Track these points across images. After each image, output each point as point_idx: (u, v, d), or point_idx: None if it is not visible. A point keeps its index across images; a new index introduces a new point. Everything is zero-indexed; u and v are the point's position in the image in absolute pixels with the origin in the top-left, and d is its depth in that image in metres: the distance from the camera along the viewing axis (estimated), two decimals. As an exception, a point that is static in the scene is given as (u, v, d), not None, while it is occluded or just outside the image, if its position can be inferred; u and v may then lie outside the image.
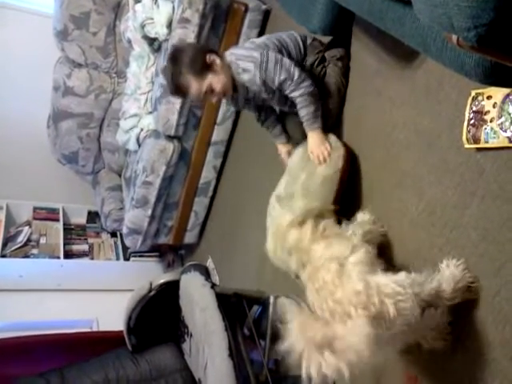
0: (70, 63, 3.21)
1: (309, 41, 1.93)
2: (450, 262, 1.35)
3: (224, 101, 2.78)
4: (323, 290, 1.26)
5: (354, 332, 1.12)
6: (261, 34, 2.71)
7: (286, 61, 1.76)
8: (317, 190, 1.72)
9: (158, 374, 2.17)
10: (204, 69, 1.78)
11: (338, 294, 1.22)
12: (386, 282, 1.21)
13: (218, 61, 1.79)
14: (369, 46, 1.84)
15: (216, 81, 1.79)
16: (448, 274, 1.31)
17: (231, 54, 1.85)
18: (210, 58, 1.79)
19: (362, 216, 1.65)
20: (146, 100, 2.94)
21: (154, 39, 2.74)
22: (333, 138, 1.82)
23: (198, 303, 1.89)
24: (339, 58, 1.90)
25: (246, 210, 2.79)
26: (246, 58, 1.80)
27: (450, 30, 0.69)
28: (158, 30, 2.58)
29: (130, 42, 2.99)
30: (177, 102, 2.62)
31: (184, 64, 1.78)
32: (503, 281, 1.25)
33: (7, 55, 3.26)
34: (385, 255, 1.57)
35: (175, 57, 1.83)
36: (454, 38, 0.71)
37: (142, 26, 2.70)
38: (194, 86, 1.79)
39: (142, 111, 2.97)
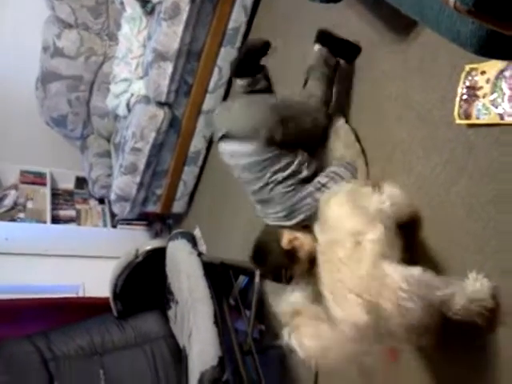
0: (59, 23, 3.11)
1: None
2: (479, 279, 1.23)
3: (216, 69, 2.75)
4: (331, 264, 1.22)
5: (343, 317, 1.10)
6: (256, 3, 2.64)
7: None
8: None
9: (142, 339, 2.20)
10: (294, 255, 1.66)
11: (341, 274, 1.17)
12: (393, 273, 1.12)
13: (291, 237, 1.67)
14: (365, 18, 1.80)
15: (306, 247, 1.65)
16: (471, 290, 1.20)
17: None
18: (286, 244, 1.67)
19: (390, 190, 1.48)
20: (138, 64, 2.87)
21: (147, 1, 2.66)
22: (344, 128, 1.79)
23: (185, 271, 1.90)
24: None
25: (236, 180, 2.77)
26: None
27: (447, -7, 0.67)
28: (151, -9, 2.51)
29: (122, 3, 2.91)
30: (168, 67, 2.56)
31: (280, 269, 1.67)
32: (486, 257, 1.26)
33: (-6, 12, 3.16)
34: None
35: (266, 266, 1.75)
36: (451, 1, 0.69)
37: (135, -13, 2.63)
38: (300, 269, 1.66)
39: (133, 76, 2.91)
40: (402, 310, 1.09)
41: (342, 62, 1.88)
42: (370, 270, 1.14)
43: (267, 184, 1.72)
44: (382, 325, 1.11)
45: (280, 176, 1.70)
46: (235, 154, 1.76)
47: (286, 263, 1.67)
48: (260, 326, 2.31)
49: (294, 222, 1.72)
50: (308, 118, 1.76)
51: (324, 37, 1.83)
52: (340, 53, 1.85)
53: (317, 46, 1.83)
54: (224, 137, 1.76)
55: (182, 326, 1.95)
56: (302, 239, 1.67)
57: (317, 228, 1.38)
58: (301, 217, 1.70)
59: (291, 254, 1.67)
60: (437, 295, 1.14)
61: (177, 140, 2.92)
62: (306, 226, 1.69)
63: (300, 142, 1.75)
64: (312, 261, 1.58)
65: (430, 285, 1.14)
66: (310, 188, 1.70)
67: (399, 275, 1.12)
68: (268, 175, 1.71)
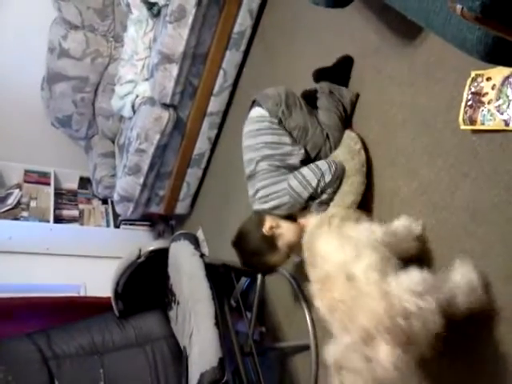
0: (66, 24, 3.14)
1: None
2: (462, 266, 1.22)
3: (221, 72, 2.76)
4: (336, 311, 1.13)
5: (384, 361, 1.01)
6: (262, 6, 2.65)
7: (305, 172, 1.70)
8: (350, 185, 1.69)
9: (143, 339, 2.20)
10: (273, 243, 1.68)
11: (357, 321, 1.07)
12: (408, 296, 1.06)
13: (273, 224, 1.69)
14: (371, 23, 1.81)
15: (286, 238, 1.69)
16: (461, 281, 1.18)
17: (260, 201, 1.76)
18: (267, 230, 1.68)
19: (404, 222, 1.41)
20: (143, 66, 2.89)
21: (154, 4, 2.68)
22: (351, 136, 1.77)
23: (187, 272, 1.90)
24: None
25: (239, 183, 2.78)
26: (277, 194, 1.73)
27: (455, -1, 0.68)
28: (158, -6, 2.52)
29: (128, 5, 2.92)
30: (174, 69, 2.58)
31: (257, 254, 1.71)
32: (490, 261, 1.26)
33: (1, 13, 3.17)
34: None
35: (243, 249, 1.76)
36: (459, 8, 0.69)
37: (142, -11, 2.64)
38: (277, 259, 1.71)
39: (139, 77, 2.92)
40: (428, 324, 1.05)
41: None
42: (385, 305, 1.06)
43: (256, 150, 1.76)
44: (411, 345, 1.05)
45: (267, 151, 1.74)
46: (250, 119, 1.84)
47: (263, 249, 1.69)
48: (261, 328, 2.31)
49: (266, 206, 1.74)
50: (314, 124, 1.80)
51: (320, 74, 1.91)
52: (338, 76, 1.88)
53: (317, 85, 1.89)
54: (254, 102, 1.86)
55: (183, 327, 1.95)
56: (285, 229, 1.68)
57: (308, 265, 1.34)
58: (275, 202, 1.72)
59: (270, 241, 1.68)
60: (441, 294, 1.11)
61: (181, 142, 2.93)
62: (294, 217, 1.73)
63: (304, 140, 1.78)
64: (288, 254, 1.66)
65: (435, 286, 1.11)
66: (290, 174, 1.72)
67: (412, 292, 1.07)
68: (258, 141, 1.76)
